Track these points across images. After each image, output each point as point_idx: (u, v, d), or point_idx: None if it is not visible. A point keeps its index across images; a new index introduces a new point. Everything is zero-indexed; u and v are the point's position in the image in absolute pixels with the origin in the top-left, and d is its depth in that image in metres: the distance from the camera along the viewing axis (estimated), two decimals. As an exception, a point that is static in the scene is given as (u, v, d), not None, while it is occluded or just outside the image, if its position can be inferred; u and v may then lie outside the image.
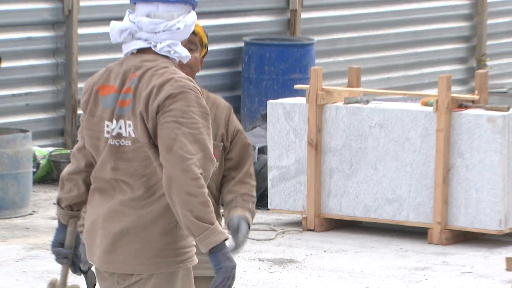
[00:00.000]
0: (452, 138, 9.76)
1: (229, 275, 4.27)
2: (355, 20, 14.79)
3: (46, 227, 10.33)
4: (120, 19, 4.51)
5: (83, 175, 4.59)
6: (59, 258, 4.48)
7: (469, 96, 10.39)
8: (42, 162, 11.67)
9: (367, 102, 10.15)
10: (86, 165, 4.58)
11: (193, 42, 4.95)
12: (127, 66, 4.49)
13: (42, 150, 11.76)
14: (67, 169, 4.64)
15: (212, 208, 4.30)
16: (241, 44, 13.55)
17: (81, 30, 12.56)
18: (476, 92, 10.18)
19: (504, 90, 12.59)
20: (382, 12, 15.13)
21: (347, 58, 14.09)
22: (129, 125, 4.51)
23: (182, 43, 4.49)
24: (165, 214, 4.54)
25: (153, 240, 4.50)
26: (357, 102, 10.19)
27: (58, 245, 4.63)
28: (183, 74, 4.44)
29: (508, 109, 9.57)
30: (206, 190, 4.30)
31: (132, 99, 4.43)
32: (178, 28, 4.38)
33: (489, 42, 15.81)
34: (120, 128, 4.49)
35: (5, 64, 12.15)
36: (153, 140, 4.42)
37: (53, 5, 12.72)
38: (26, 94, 12.18)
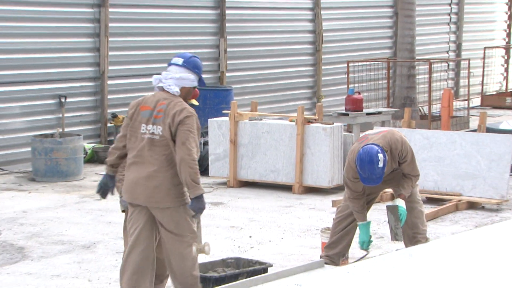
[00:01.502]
0: (304, 139, 11.75)
1: (199, 209, 6.18)
2: (257, 77, 17.48)
3: (90, 186, 12.00)
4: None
5: (120, 151, 6.44)
6: (102, 190, 6.50)
7: (313, 116, 12.37)
8: (88, 151, 13.72)
9: (260, 119, 12.33)
10: (123, 146, 6.42)
11: None
12: (157, 97, 6.32)
13: (88, 145, 13.78)
14: (113, 146, 6.50)
15: (199, 176, 6.12)
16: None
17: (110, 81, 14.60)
18: (317, 114, 12.51)
19: (331, 114, 13.99)
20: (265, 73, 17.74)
21: (250, 96, 16.20)
22: (159, 128, 6.19)
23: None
24: (175, 176, 6.24)
25: (172, 190, 6.24)
26: (255, 119, 12.29)
27: (103, 184, 6.53)
28: (187, 105, 6.26)
29: (332, 123, 11.89)
30: (197, 166, 6.13)
31: (163, 115, 6.17)
32: (176, 78, 6.28)
33: (322, 89, 18.74)
34: (154, 129, 6.22)
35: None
36: (172, 137, 6.16)
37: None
38: (80, 116, 14.34)
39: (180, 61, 6.42)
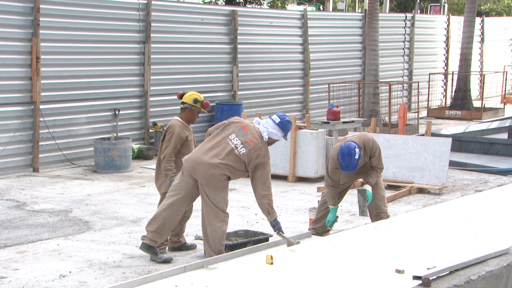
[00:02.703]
0: (296, 141, 11.70)
1: (277, 228, 6.57)
2: (260, 94, 17.01)
3: (137, 176, 12.08)
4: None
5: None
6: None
7: (303, 124, 12.38)
8: (135, 150, 13.63)
9: None
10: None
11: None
12: (255, 129, 6.53)
13: (135, 146, 13.74)
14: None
15: (273, 205, 6.46)
16: (214, 104, 15.30)
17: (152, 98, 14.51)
18: (306, 123, 12.47)
19: (316, 122, 13.60)
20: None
21: (256, 109, 16.15)
22: (244, 149, 6.38)
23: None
24: (223, 177, 6.50)
25: (222, 180, 6.57)
26: None
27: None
28: (268, 152, 6.50)
29: (317, 129, 11.86)
30: (272, 199, 6.46)
31: (253, 147, 6.40)
32: (268, 130, 6.58)
33: (310, 103, 18.33)
34: (240, 147, 6.40)
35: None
36: (246, 165, 6.42)
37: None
38: (129, 124, 14.18)
39: (277, 120, 6.57)
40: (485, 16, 29.28)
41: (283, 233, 6.51)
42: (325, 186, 7.44)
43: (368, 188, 7.28)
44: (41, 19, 12.31)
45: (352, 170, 7.09)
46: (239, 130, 6.42)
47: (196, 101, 7.21)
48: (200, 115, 7.56)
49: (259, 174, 6.22)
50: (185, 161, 6.55)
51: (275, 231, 6.47)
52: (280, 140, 6.64)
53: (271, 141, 6.52)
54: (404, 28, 22.35)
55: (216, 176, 6.39)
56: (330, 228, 7.62)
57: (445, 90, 23.91)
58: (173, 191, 6.63)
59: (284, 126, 6.57)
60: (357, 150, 6.99)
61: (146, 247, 6.77)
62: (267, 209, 6.31)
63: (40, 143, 12.55)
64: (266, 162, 6.31)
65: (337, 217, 7.62)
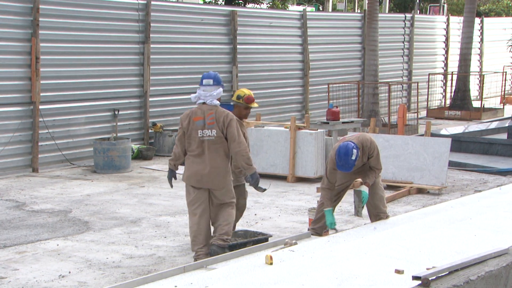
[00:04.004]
0: (296, 141, 11.67)
1: (256, 181, 6.62)
2: (260, 95, 16.57)
3: (136, 176, 12.03)
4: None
5: (182, 157, 6.72)
6: (170, 181, 6.87)
7: (302, 124, 12.42)
8: (135, 151, 13.67)
9: (263, 126, 12.21)
10: (183, 152, 6.70)
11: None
12: (203, 109, 6.57)
13: (134, 146, 13.80)
14: (176, 151, 6.66)
15: (251, 159, 6.50)
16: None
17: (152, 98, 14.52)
18: (305, 123, 12.64)
19: (316, 122, 13.81)
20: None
21: (255, 109, 14.63)
22: (213, 130, 6.53)
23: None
24: (228, 166, 6.64)
25: (226, 175, 6.68)
26: (259, 126, 12.12)
27: (170, 176, 6.90)
28: (227, 111, 6.51)
29: (317, 130, 11.83)
30: (248, 153, 6.47)
31: (214, 120, 6.49)
32: (214, 95, 6.59)
33: (309, 103, 18.54)
34: (210, 132, 6.55)
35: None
36: (224, 136, 6.52)
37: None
38: (128, 124, 14.22)
39: (211, 81, 6.63)
40: (485, 16, 29.27)
41: (261, 187, 6.73)
42: (321, 188, 7.43)
43: (364, 189, 7.27)
44: (40, 19, 12.34)
45: (348, 170, 7.07)
46: (197, 123, 6.57)
47: (238, 97, 7.38)
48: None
49: (229, 134, 6.42)
50: (187, 178, 6.72)
51: (251, 185, 6.65)
52: (222, 91, 6.77)
53: (220, 100, 6.71)
54: (404, 28, 22.39)
55: (223, 176, 6.65)
56: (336, 230, 7.49)
57: (445, 91, 23.95)
58: (193, 206, 6.77)
59: (218, 80, 6.70)
60: (354, 150, 6.97)
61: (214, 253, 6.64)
62: (243, 165, 6.49)
63: (40, 144, 12.56)
64: (231, 119, 6.46)
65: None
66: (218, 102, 6.61)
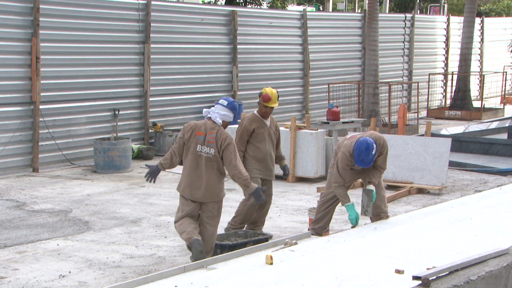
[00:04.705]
0: (296, 141, 11.64)
1: (258, 198, 6.70)
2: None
3: (137, 176, 12.06)
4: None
5: (174, 162, 6.75)
6: (152, 175, 6.71)
7: (302, 124, 12.41)
8: (135, 150, 13.66)
9: None
10: (177, 159, 6.77)
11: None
12: (207, 126, 6.68)
13: (135, 146, 13.77)
14: (171, 153, 6.68)
15: (248, 179, 6.52)
16: (214, 104, 14.33)
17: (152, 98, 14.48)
18: (305, 123, 12.56)
19: (316, 122, 13.63)
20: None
21: (255, 109, 15.43)
22: (211, 149, 6.63)
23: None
24: (221, 181, 6.73)
25: (218, 190, 6.73)
26: None
27: (155, 172, 6.72)
28: (228, 133, 6.62)
29: (317, 130, 11.77)
30: (244, 173, 6.52)
31: (214, 140, 6.59)
32: (220, 114, 6.73)
33: (310, 103, 18.33)
34: (208, 150, 6.65)
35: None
36: (220, 156, 6.64)
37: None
38: (129, 124, 14.17)
39: (225, 103, 6.73)
40: (485, 16, 29.27)
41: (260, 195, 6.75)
42: (334, 188, 7.33)
43: (373, 188, 7.27)
44: (41, 19, 12.33)
45: (367, 165, 7.05)
46: (199, 137, 6.66)
47: (259, 94, 7.57)
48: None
49: (224, 157, 6.51)
50: (182, 190, 6.79)
51: (253, 199, 6.82)
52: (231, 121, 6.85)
53: (225, 124, 6.71)
54: (404, 28, 22.38)
55: (217, 193, 6.77)
56: (355, 225, 7.35)
57: (445, 91, 23.94)
58: (182, 207, 6.81)
59: (233, 107, 6.76)
60: (374, 145, 7.00)
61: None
62: (241, 186, 6.66)
63: (40, 143, 12.55)
64: (229, 143, 6.54)
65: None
66: (220, 122, 6.69)
